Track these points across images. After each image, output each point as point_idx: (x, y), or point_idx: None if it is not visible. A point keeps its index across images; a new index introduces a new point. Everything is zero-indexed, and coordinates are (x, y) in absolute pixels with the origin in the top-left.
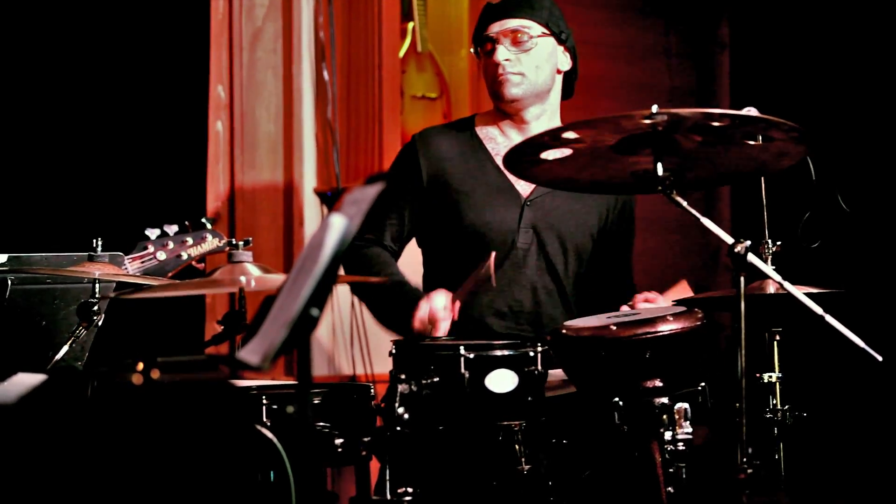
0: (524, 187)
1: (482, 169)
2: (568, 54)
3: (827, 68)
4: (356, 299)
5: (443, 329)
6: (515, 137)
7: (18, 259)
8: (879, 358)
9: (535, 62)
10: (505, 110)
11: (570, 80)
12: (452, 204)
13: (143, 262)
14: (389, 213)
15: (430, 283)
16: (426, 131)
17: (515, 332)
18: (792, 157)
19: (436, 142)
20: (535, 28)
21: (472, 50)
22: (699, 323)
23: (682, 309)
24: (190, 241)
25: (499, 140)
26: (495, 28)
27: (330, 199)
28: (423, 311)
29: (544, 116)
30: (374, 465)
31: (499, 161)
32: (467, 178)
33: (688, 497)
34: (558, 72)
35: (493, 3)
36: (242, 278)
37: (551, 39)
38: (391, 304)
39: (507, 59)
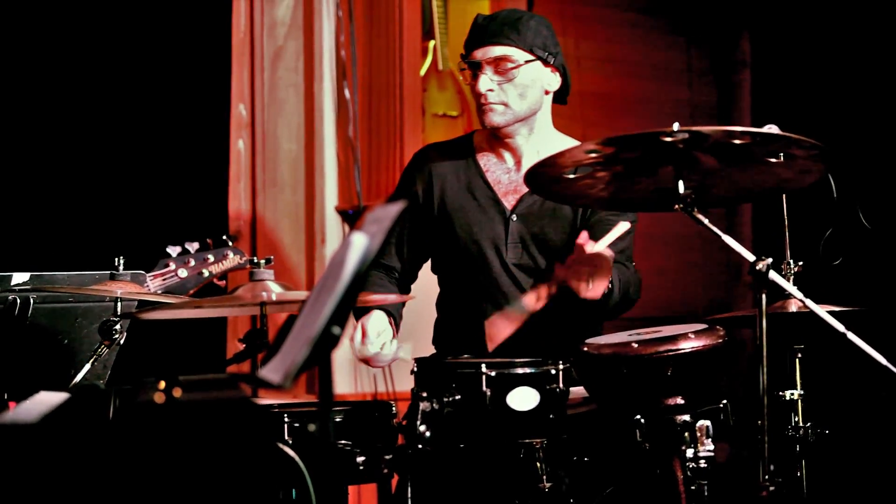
0: (510, 201)
1: (473, 185)
2: (557, 73)
3: (848, 85)
4: None
5: (374, 355)
6: (506, 155)
7: (41, 278)
8: None
9: (519, 90)
10: (493, 133)
11: (561, 93)
12: (445, 221)
13: (164, 280)
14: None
15: (443, 304)
16: (424, 149)
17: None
18: (813, 175)
19: (431, 159)
20: (518, 55)
21: (460, 69)
22: (721, 340)
23: (704, 326)
24: (211, 258)
25: (491, 157)
26: (479, 54)
27: (351, 217)
28: (355, 331)
29: (533, 135)
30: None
31: (489, 177)
32: (458, 194)
33: None
34: (546, 92)
35: (480, 20)
36: (263, 293)
37: (537, 64)
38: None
39: (489, 90)
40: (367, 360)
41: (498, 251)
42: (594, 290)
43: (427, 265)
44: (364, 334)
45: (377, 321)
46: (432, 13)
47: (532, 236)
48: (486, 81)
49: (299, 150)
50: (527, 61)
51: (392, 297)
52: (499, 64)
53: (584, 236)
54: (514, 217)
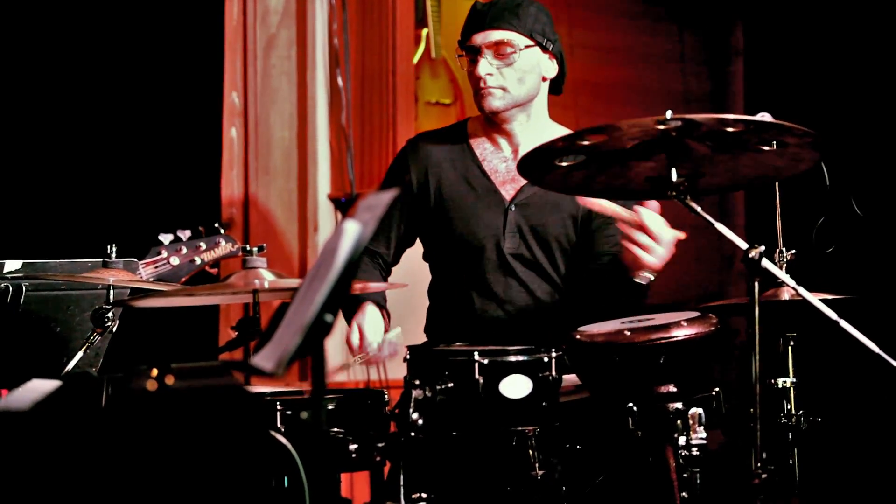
0: (509, 191)
1: (469, 174)
2: (554, 60)
3: (841, 74)
4: None
5: (374, 355)
6: (503, 143)
7: (33, 265)
8: (895, 363)
9: (518, 75)
10: (490, 119)
11: (557, 82)
12: (441, 210)
13: (156, 268)
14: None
15: (435, 293)
16: (417, 137)
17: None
18: (806, 163)
19: (425, 148)
20: (518, 40)
21: (457, 55)
22: (713, 328)
23: (697, 314)
24: (203, 246)
25: (486, 146)
26: (478, 39)
27: (344, 204)
28: (351, 334)
29: (530, 122)
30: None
31: (486, 166)
32: (455, 183)
33: (702, 502)
34: (544, 79)
35: (480, 6)
36: (256, 281)
37: (536, 49)
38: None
39: (489, 74)
40: (367, 361)
41: (496, 241)
42: (653, 261)
43: (412, 251)
44: (362, 336)
45: (372, 319)
46: (425, 1)
47: (531, 227)
48: (486, 65)
49: (292, 138)
50: (526, 46)
51: (384, 286)
52: (498, 48)
53: (654, 205)
54: (514, 207)
